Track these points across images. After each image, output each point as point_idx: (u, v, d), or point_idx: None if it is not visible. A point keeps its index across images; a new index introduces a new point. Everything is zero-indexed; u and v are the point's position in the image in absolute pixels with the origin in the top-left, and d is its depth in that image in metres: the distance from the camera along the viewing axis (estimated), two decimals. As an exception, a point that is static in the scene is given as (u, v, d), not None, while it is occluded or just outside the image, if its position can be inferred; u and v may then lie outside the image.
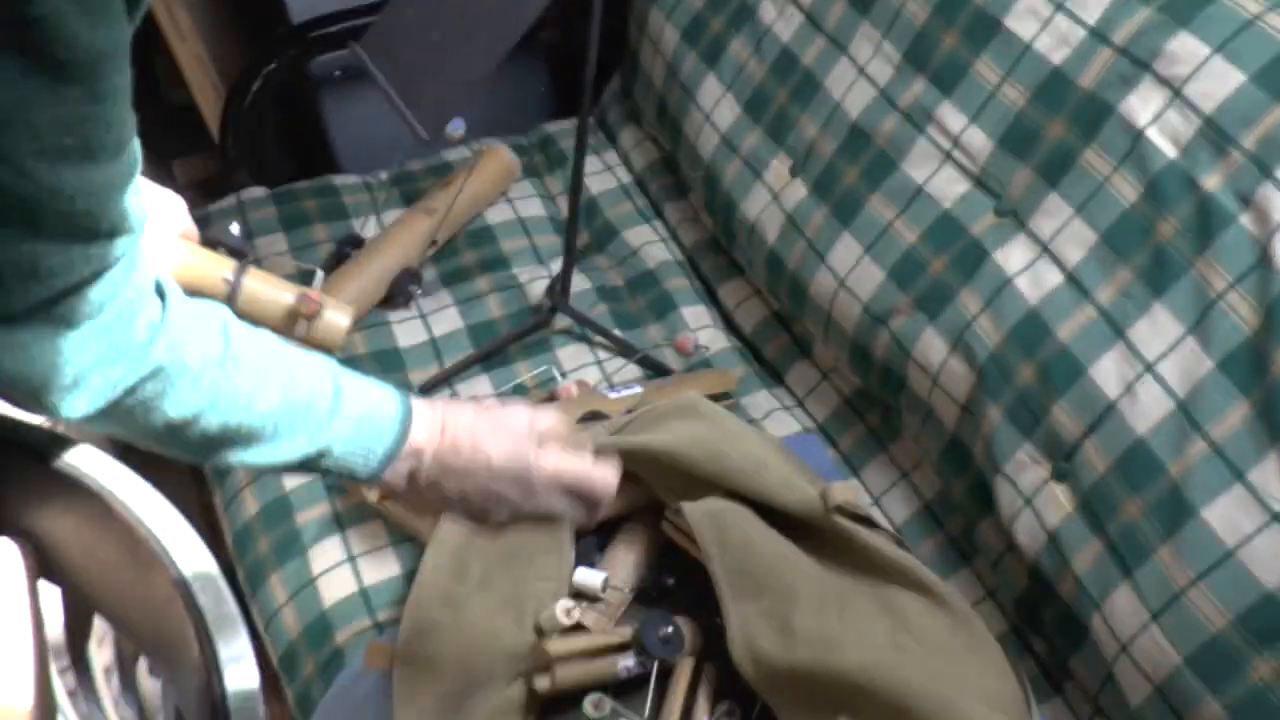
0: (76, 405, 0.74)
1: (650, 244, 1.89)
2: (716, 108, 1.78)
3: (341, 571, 1.42)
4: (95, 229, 0.69)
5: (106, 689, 0.78)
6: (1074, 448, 1.24)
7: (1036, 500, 1.27)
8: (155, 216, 1.18)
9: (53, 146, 0.63)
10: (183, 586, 0.73)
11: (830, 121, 1.60)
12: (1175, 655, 1.11)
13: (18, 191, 0.64)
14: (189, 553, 0.75)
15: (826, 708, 1.10)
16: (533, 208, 1.93)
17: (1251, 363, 1.13)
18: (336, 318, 1.24)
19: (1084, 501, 1.22)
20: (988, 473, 1.34)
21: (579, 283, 1.78)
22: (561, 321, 1.73)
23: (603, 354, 1.70)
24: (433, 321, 1.71)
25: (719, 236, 1.83)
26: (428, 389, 1.62)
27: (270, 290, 1.23)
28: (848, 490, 1.23)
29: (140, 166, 0.71)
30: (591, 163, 2.03)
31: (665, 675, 1.18)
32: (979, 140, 1.43)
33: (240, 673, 0.71)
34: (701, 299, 1.81)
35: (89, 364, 0.73)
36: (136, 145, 0.70)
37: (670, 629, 1.17)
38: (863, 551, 1.21)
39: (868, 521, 1.25)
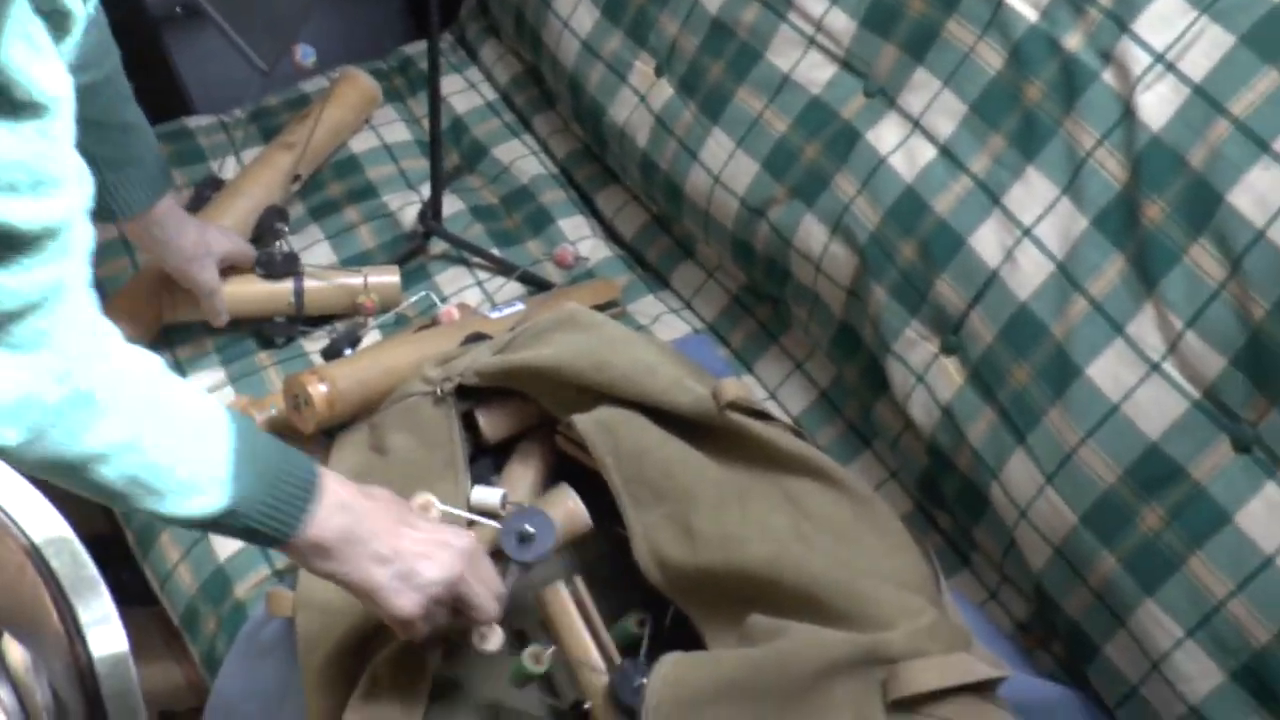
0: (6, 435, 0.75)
1: (521, 159, 1.84)
2: (574, 14, 1.73)
3: (234, 523, 1.38)
4: (38, 259, 0.71)
5: (-26, 670, 0.74)
6: (960, 320, 1.24)
7: (928, 376, 1.27)
8: (206, 256, 1.43)
9: (4, 183, 0.66)
10: (33, 553, 0.69)
11: (690, 17, 1.56)
12: (1071, 515, 1.12)
13: None
14: (36, 517, 0.71)
15: (737, 606, 1.09)
16: (398, 133, 1.87)
17: (1123, 216, 1.13)
18: (390, 280, 1.57)
19: (974, 372, 1.23)
20: (879, 354, 1.34)
21: (452, 204, 1.74)
22: (437, 246, 1.68)
23: (482, 274, 1.66)
24: (305, 258, 1.65)
25: (590, 145, 1.80)
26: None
27: (328, 288, 1.55)
28: (739, 386, 1.21)
29: (88, 198, 0.74)
30: (454, 81, 1.97)
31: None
32: (841, 22, 1.40)
33: (105, 635, 0.68)
34: (579, 209, 1.78)
35: (25, 390, 0.74)
36: (87, 179, 0.73)
37: (529, 527, 1.11)
38: (759, 445, 1.20)
39: (762, 415, 1.24)
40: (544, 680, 1.13)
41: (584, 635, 1.10)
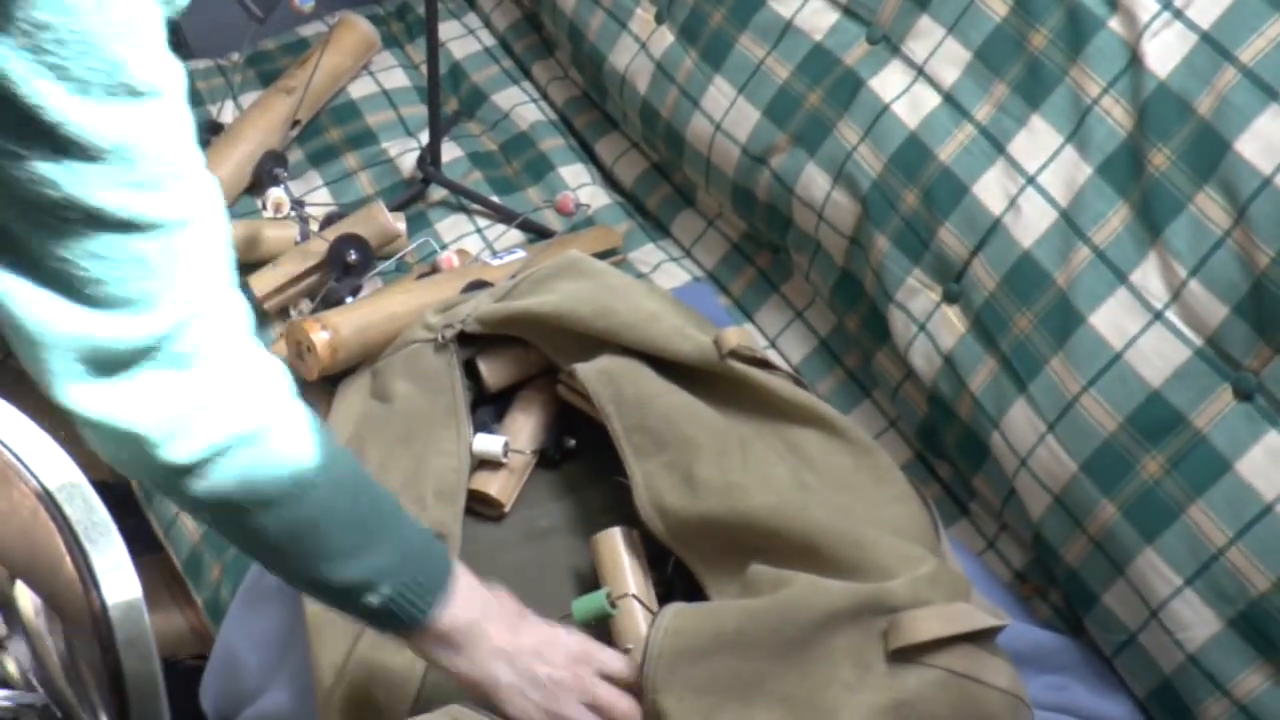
0: (182, 449, 0.75)
1: (521, 105, 1.83)
2: (574, -42, 1.71)
3: (236, 469, 1.38)
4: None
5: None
6: (963, 268, 1.24)
7: (930, 325, 1.27)
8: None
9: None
10: (46, 498, 0.69)
11: (691, -38, 1.54)
12: (1071, 463, 1.12)
13: None
14: (49, 463, 0.71)
15: (737, 556, 1.09)
16: (396, 79, 1.86)
17: (1128, 164, 1.12)
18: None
19: (976, 321, 1.22)
20: (880, 302, 1.34)
21: (451, 151, 1.73)
22: (437, 193, 1.68)
23: (482, 222, 1.65)
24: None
25: (590, 92, 1.79)
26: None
27: None
28: (741, 334, 1.22)
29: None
30: (452, 27, 1.96)
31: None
32: (843, -33, 1.39)
33: (119, 582, 0.68)
34: (579, 157, 1.77)
35: (195, 406, 0.75)
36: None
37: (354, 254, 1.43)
38: (761, 394, 1.20)
39: (764, 364, 1.24)
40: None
41: (641, 576, 1.11)
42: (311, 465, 0.82)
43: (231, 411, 0.76)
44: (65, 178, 0.63)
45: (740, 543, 1.09)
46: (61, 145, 0.62)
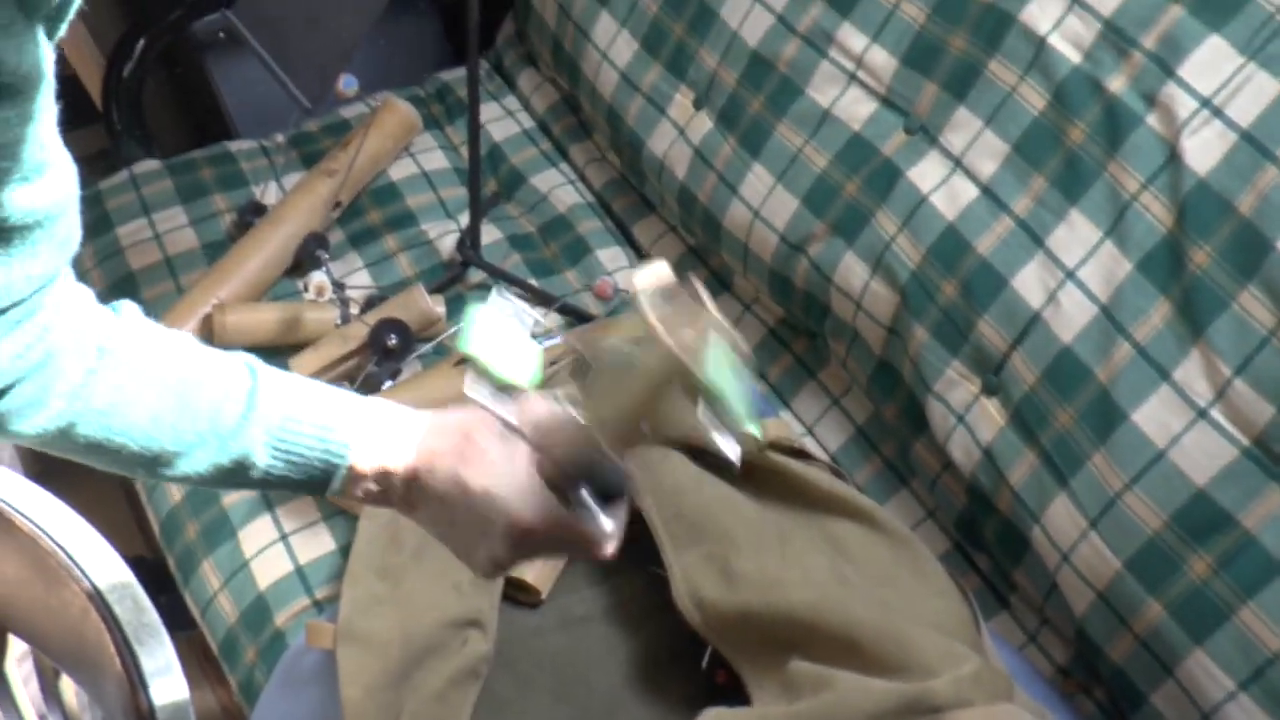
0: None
1: (559, 187, 1.85)
2: (613, 45, 1.74)
3: (275, 551, 1.39)
4: (26, 249, 0.66)
5: (30, 707, 0.74)
6: (1002, 361, 1.24)
7: (969, 417, 1.27)
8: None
9: None
10: (96, 598, 0.70)
11: (730, 51, 1.56)
12: (1115, 560, 1.12)
13: None
14: (100, 562, 0.71)
15: (776, 649, 1.09)
16: (436, 160, 1.88)
17: (1168, 261, 1.13)
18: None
19: (1015, 414, 1.22)
20: (918, 393, 1.33)
21: (490, 233, 1.74)
22: (476, 275, 1.69)
23: (521, 305, 1.66)
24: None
25: (628, 175, 1.80)
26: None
27: None
28: (779, 426, 1.22)
29: (75, 186, 0.69)
30: (492, 109, 1.98)
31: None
32: (882, 59, 1.41)
33: (168, 685, 0.68)
34: (616, 240, 1.78)
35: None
36: (72, 169, 0.69)
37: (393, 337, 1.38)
38: (799, 486, 1.20)
39: (801, 454, 1.24)
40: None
41: None
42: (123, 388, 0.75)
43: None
44: None
45: (779, 637, 1.09)
46: None
